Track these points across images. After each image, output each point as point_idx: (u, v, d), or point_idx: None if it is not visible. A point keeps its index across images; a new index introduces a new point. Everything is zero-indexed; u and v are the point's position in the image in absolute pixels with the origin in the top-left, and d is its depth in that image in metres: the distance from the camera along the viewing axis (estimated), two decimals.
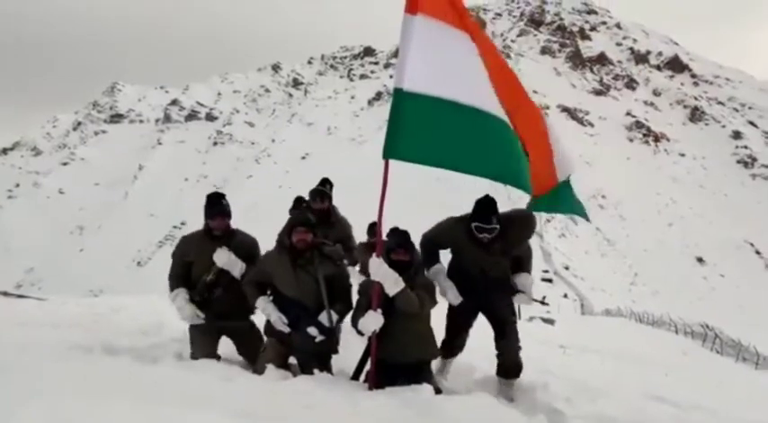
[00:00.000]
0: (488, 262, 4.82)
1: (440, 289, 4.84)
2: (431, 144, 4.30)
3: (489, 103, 4.40)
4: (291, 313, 4.70)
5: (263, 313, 4.83)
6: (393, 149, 4.25)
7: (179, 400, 3.52)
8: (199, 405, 3.45)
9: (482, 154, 4.34)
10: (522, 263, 4.99)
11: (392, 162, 4.30)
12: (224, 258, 4.86)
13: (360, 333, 4.69)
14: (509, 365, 4.92)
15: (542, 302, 4.73)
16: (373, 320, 4.40)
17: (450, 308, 5.04)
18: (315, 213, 5.59)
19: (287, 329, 4.68)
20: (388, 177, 4.43)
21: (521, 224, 4.83)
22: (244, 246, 5.02)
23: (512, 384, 4.91)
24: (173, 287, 4.96)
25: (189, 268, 4.99)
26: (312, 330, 4.65)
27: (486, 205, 4.69)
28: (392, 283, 4.40)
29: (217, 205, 4.98)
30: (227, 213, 5.01)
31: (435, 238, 5.03)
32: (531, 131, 4.65)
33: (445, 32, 4.35)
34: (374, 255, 4.45)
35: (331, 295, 4.75)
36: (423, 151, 4.30)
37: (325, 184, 5.81)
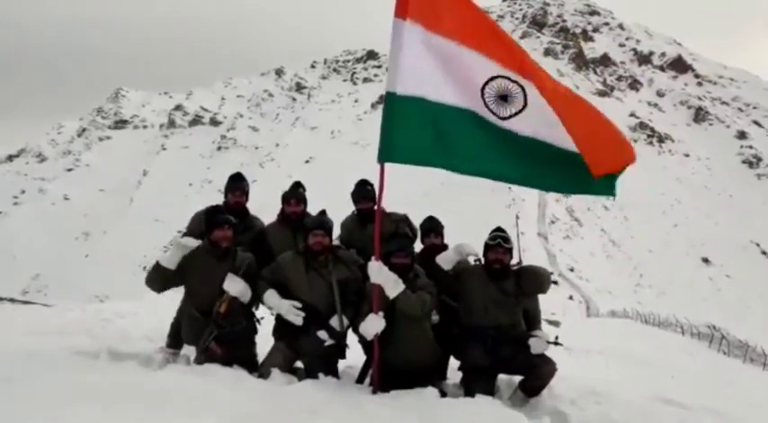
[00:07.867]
0: (496, 300, 4.66)
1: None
2: (425, 145, 4.34)
3: (477, 105, 4.38)
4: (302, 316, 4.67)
5: (273, 309, 4.74)
6: (388, 153, 4.32)
7: (185, 405, 3.53)
8: (204, 411, 3.47)
9: (475, 154, 4.37)
10: (532, 320, 4.85)
11: (396, 166, 4.33)
12: (239, 287, 4.68)
13: (361, 338, 4.68)
14: (536, 386, 4.73)
15: (556, 343, 4.68)
16: (374, 324, 4.40)
17: (465, 375, 4.83)
18: (289, 216, 5.34)
19: (300, 321, 4.59)
20: (384, 181, 4.46)
21: (537, 275, 4.84)
22: (244, 263, 4.84)
23: (528, 400, 4.77)
24: (153, 286, 4.78)
25: (181, 277, 4.78)
26: (322, 334, 4.64)
27: (498, 229, 4.89)
28: (392, 285, 4.40)
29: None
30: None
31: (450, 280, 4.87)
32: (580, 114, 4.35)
33: (432, 40, 4.32)
34: (373, 258, 4.45)
35: (343, 300, 4.73)
36: (417, 153, 4.36)
37: (299, 187, 5.59)
